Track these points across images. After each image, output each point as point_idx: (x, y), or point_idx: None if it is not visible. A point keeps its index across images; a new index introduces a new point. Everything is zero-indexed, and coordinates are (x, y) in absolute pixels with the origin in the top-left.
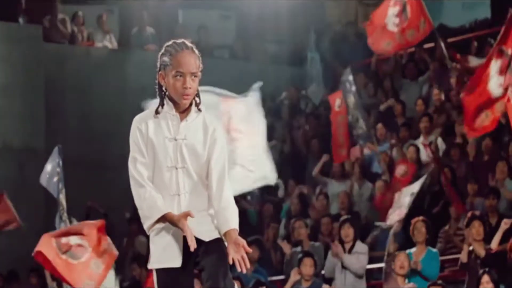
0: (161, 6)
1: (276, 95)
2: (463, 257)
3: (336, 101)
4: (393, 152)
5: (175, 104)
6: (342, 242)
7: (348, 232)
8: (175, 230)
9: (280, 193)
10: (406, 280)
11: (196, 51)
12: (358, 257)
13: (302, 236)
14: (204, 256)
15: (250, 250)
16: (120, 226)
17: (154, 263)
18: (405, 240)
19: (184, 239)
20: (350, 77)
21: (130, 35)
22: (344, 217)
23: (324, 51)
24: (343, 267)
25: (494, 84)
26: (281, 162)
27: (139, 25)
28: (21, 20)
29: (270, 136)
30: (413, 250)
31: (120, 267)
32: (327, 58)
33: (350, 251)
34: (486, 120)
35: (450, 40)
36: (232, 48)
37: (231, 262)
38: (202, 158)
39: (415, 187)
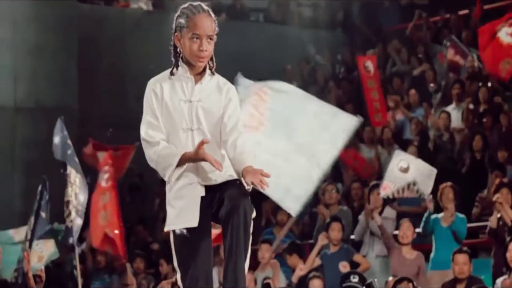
0: None
1: (310, 59)
2: (492, 223)
3: (367, 64)
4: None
5: (190, 66)
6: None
7: (377, 197)
8: (191, 192)
9: None
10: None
11: (213, 15)
12: (386, 223)
13: (332, 199)
14: (222, 194)
15: (268, 174)
16: (153, 187)
17: (170, 225)
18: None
19: (201, 199)
20: None
21: None
22: (373, 182)
23: (357, 16)
24: (372, 232)
25: (504, 33)
26: None
27: None
28: None
29: None
30: (440, 215)
31: (152, 228)
32: (360, 23)
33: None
34: (508, 66)
35: (486, 7)
36: (268, 11)
37: (249, 186)
38: (217, 119)
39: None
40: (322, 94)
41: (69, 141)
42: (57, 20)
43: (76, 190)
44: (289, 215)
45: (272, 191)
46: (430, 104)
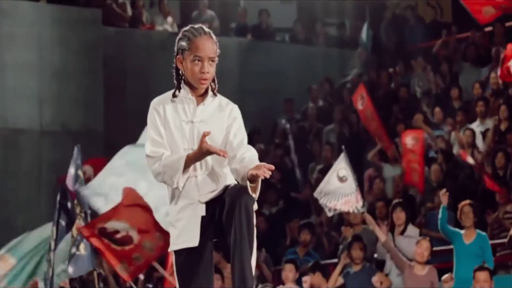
0: None
1: (336, 79)
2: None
3: (358, 99)
4: (450, 136)
5: (192, 88)
6: (393, 226)
7: (399, 215)
8: (191, 212)
9: None
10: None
11: (214, 36)
12: (410, 241)
13: (357, 219)
14: (221, 202)
15: (272, 166)
16: None
17: (172, 245)
18: (455, 224)
19: (202, 219)
20: None
21: (191, 18)
22: (396, 200)
23: (381, 35)
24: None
25: None
26: (339, 145)
27: (199, 8)
28: (82, 3)
29: (330, 119)
30: (462, 231)
31: None
32: (385, 41)
33: (401, 235)
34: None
35: (508, 24)
36: (293, 31)
37: (255, 194)
38: (219, 139)
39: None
40: (347, 112)
41: (80, 172)
42: (82, 43)
43: (81, 223)
44: (312, 235)
45: None
46: (455, 121)
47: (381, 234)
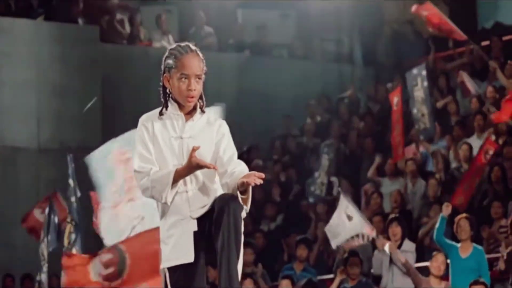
0: (220, 6)
1: (333, 94)
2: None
3: (395, 99)
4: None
5: (180, 106)
6: (389, 241)
7: (395, 230)
8: (183, 227)
9: (335, 191)
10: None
11: (200, 54)
12: (406, 256)
13: None
14: (211, 213)
15: (262, 175)
16: None
17: (165, 262)
18: (451, 237)
19: (194, 235)
20: (424, 72)
21: (188, 34)
22: (392, 215)
23: (380, 49)
24: (391, 263)
25: None
26: (336, 160)
27: (197, 24)
28: (80, 21)
29: (327, 134)
30: (458, 245)
31: None
32: (383, 56)
33: (397, 250)
34: None
35: (505, 38)
36: (291, 47)
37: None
38: (208, 155)
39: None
40: (345, 128)
41: (70, 181)
42: (80, 60)
43: (71, 239)
44: (309, 250)
45: None
46: (452, 137)
47: (401, 257)
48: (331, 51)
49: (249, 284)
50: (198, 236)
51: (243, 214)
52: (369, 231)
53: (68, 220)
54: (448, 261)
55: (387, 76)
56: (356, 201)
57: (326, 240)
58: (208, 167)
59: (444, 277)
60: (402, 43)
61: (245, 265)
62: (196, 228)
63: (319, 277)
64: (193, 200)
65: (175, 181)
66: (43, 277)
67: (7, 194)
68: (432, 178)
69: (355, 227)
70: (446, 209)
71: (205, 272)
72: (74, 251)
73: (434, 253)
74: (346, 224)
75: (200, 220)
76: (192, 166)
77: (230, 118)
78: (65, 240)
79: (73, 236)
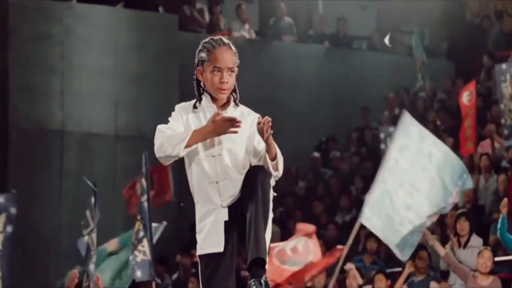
0: None
1: (411, 87)
2: None
3: (465, 94)
4: None
5: (213, 99)
6: (458, 236)
7: (463, 225)
8: (214, 217)
9: None
10: None
11: (233, 47)
12: (473, 251)
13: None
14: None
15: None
16: None
17: (199, 250)
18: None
19: (225, 224)
20: None
21: (268, 24)
22: (460, 210)
23: (461, 44)
24: (458, 261)
25: None
26: None
27: (277, 15)
28: (160, 9)
29: None
30: None
31: None
32: (464, 50)
33: (465, 246)
34: None
35: None
36: (371, 39)
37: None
38: (241, 147)
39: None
40: (421, 122)
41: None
42: (158, 49)
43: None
44: (379, 243)
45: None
46: None
47: (441, 248)
48: (410, 43)
49: (321, 276)
50: (229, 226)
51: (272, 182)
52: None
53: (138, 218)
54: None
55: (466, 70)
56: None
57: None
58: (234, 119)
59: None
60: (482, 37)
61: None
62: (227, 218)
63: (388, 270)
64: (224, 190)
65: (192, 140)
66: (91, 267)
67: (83, 180)
68: (503, 173)
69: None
70: (504, 209)
71: (235, 261)
72: (139, 247)
73: (482, 249)
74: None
75: (231, 208)
76: (215, 123)
77: (308, 109)
78: (133, 236)
79: (141, 233)
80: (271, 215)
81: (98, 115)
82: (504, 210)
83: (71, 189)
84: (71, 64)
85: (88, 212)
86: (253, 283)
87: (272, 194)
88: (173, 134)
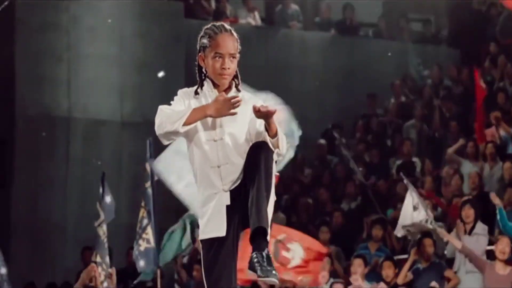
0: None
1: (417, 74)
2: None
3: (481, 81)
4: None
5: (215, 85)
6: (463, 223)
7: (468, 213)
8: (216, 201)
9: (417, 171)
10: None
11: (235, 34)
12: (478, 239)
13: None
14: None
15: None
16: None
17: (201, 234)
18: None
19: (227, 209)
20: None
21: (274, 12)
22: (465, 198)
23: (467, 31)
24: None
25: None
26: (419, 141)
27: (283, 2)
28: None
29: (410, 115)
30: None
31: None
32: (470, 38)
33: (470, 233)
34: None
35: None
36: (377, 26)
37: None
38: (242, 131)
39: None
40: (427, 109)
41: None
42: (164, 36)
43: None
44: (384, 230)
45: None
46: None
47: (457, 242)
48: (417, 31)
49: (326, 262)
50: (231, 210)
51: (275, 157)
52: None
53: (142, 204)
54: None
55: (472, 57)
56: (437, 182)
57: None
58: (235, 98)
59: (509, 262)
60: (488, 25)
61: (321, 243)
62: (229, 202)
63: (394, 257)
64: (225, 174)
65: (192, 117)
66: (107, 259)
67: (90, 167)
68: (508, 161)
69: (420, 216)
70: (496, 200)
71: (236, 245)
72: (143, 235)
73: (500, 236)
74: (412, 214)
75: (233, 192)
76: (217, 102)
77: (314, 96)
78: (137, 224)
79: (145, 221)
80: (273, 190)
81: (104, 103)
82: (496, 201)
83: (78, 176)
84: (78, 53)
85: (97, 204)
86: (255, 255)
87: (275, 171)
88: (173, 112)
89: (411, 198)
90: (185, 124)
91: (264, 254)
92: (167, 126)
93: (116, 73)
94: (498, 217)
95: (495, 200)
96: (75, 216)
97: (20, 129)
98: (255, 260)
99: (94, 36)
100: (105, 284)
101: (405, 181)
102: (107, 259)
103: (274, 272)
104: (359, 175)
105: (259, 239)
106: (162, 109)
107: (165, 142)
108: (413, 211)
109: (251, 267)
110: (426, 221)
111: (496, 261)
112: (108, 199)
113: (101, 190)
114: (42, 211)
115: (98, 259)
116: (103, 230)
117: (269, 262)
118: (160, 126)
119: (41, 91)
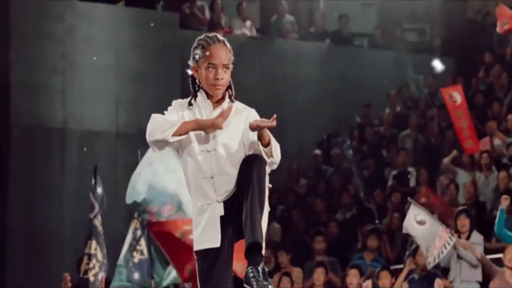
0: None
1: (412, 85)
2: None
3: (454, 94)
4: None
5: (208, 96)
6: (458, 232)
7: (464, 222)
8: (210, 212)
9: (412, 182)
10: None
11: (228, 44)
12: (474, 247)
13: None
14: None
15: (274, 117)
16: None
17: (196, 245)
18: None
19: (221, 219)
20: None
21: (270, 22)
22: (460, 207)
23: (462, 41)
24: (459, 257)
25: None
26: (414, 151)
27: (278, 13)
28: (159, 7)
29: (406, 125)
30: None
31: None
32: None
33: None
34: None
35: None
36: (372, 36)
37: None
38: (235, 142)
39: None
40: (423, 119)
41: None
42: (159, 46)
43: (136, 235)
44: (379, 240)
45: None
46: None
47: (477, 252)
48: (412, 41)
49: (320, 273)
50: (225, 221)
51: (268, 169)
52: (444, 233)
53: (135, 215)
54: None
55: (467, 67)
56: (433, 191)
57: (399, 230)
58: (225, 112)
59: None
60: (483, 34)
61: (316, 253)
62: (222, 213)
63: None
64: (219, 185)
65: (182, 129)
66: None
67: (85, 178)
68: (503, 170)
69: (430, 230)
70: (504, 202)
71: (231, 256)
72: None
73: (509, 245)
74: (417, 228)
75: (227, 203)
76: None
77: (310, 106)
78: (131, 236)
79: (138, 232)
80: (267, 202)
81: (99, 113)
82: (504, 204)
83: (73, 186)
84: (73, 63)
85: (91, 195)
86: (250, 270)
87: (268, 183)
88: (165, 121)
89: (415, 215)
90: (174, 134)
91: (259, 268)
92: (157, 135)
93: (111, 84)
94: (497, 219)
95: (504, 202)
96: (71, 224)
97: (15, 139)
98: (251, 275)
99: (89, 46)
100: (99, 276)
101: (411, 202)
102: (104, 249)
103: (270, 286)
104: (358, 179)
105: (254, 254)
106: (155, 117)
107: (156, 151)
108: (418, 225)
109: (247, 281)
110: (448, 243)
111: (505, 268)
112: (99, 190)
113: (93, 181)
114: (38, 219)
115: (93, 250)
116: (98, 221)
117: (265, 277)
118: (151, 134)
119: (36, 101)
